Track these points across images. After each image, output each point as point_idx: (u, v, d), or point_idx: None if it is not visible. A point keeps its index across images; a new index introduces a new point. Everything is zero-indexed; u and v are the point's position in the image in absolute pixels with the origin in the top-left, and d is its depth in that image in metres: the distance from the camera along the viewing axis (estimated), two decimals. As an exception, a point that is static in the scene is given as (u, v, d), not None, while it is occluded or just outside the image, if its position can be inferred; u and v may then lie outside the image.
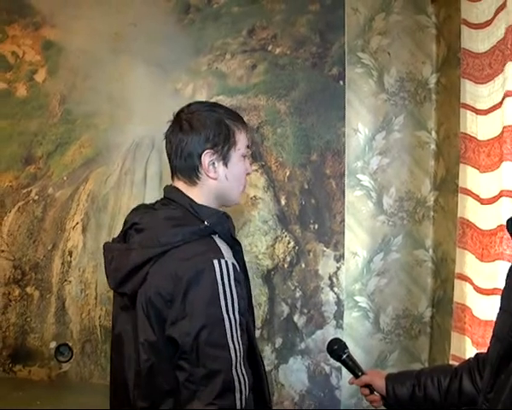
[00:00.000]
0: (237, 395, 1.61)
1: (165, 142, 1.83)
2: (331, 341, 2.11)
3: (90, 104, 3.08)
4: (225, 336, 1.60)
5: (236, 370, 1.61)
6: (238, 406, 1.60)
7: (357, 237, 3.09)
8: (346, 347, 2.08)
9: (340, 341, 2.12)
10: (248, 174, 1.89)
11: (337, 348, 2.08)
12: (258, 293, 3.01)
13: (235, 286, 1.63)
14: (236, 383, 1.61)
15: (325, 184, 3.05)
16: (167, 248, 1.63)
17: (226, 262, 1.62)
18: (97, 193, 3.10)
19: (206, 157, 1.75)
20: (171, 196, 1.79)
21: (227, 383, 1.60)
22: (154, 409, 1.69)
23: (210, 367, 1.59)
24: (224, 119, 1.79)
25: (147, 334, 1.66)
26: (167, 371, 1.65)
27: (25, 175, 3.11)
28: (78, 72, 3.10)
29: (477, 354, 1.93)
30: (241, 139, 1.82)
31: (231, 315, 1.62)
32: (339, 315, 3.05)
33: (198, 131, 1.75)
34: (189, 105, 1.84)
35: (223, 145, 1.77)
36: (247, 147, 1.85)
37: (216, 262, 1.61)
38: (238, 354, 1.62)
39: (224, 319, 1.61)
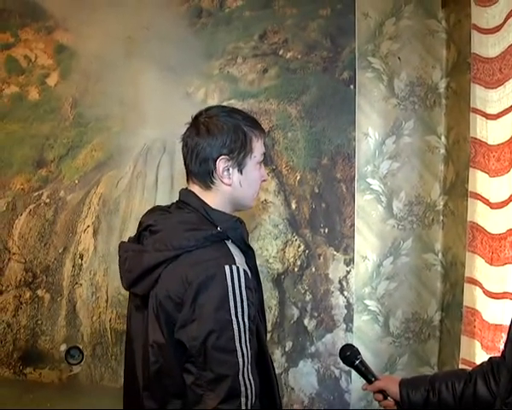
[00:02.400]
0: (243, 400, 1.62)
1: (181, 145, 1.84)
2: (344, 347, 2.13)
3: (101, 108, 3.09)
4: (233, 341, 1.61)
5: (243, 375, 1.62)
6: None
7: (367, 241, 3.12)
8: (358, 353, 2.09)
9: (353, 347, 2.14)
10: (264, 181, 1.92)
11: (350, 355, 2.09)
12: (269, 296, 3.01)
13: (246, 292, 1.64)
14: (243, 388, 1.62)
15: (335, 188, 3.07)
16: (180, 252, 1.64)
17: (238, 268, 1.63)
18: (109, 196, 3.11)
19: (221, 163, 1.75)
20: (186, 200, 1.81)
21: (233, 388, 1.61)
22: None
23: (217, 372, 1.61)
24: (242, 125, 1.79)
25: (156, 336, 1.68)
26: (175, 373, 1.67)
27: (36, 178, 3.13)
28: (90, 75, 3.11)
29: (491, 358, 1.95)
30: (258, 147, 1.83)
31: (240, 320, 1.63)
32: (348, 319, 3.07)
33: (214, 136, 1.76)
34: (208, 109, 1.85)
35: (239, 152, 1.77)
36: (263, 154, 1.86)
37: (227, 268, 1.62)
38: (246, 359, 1.63)
39: (232, 324, 1.62)
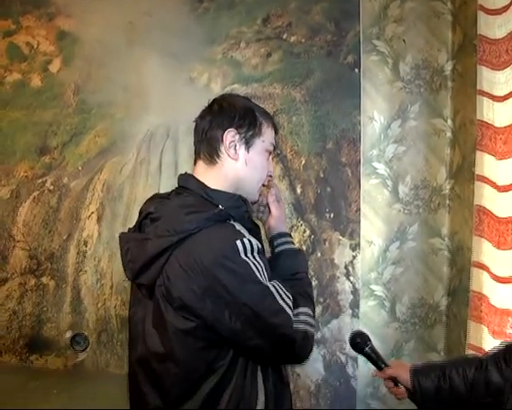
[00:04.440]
0: (310, 331, 1.68)
1: (194, 126, 1.83)
2: (354, 334, 2.10)
3: (104, 94, 3.09)
4: (277, 301, 1.61)
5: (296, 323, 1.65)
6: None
7: (373, 226, 3.11)
8: (368, 339, 2.06)
9: (362, 333, 2.11)
10: (270, 176, 1.88)
11: (360, 342, 2.06)
12: None
13: (261, 259, 1.63)
14: (302, 327, 1.66)
15: (341, 172, 3.06)
16: (183, 236, 1.60)
17: (250, 241, 1.61)
18: (112, 183, 3.11)
19: (229, 136, 1.74)
20: (185, 184, 1.78)
21: (299, 335, 1.64)
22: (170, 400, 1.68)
23: (274, 335, 1.62)
24: (255, 110, 1.80)
25: (174, 323, 1.63)
26: (191, 366, 1.64)
27: (40, 165, 3.13)
28: (92, 61, 3.11)
29: (503, 344, 1.93)
30: (268, 134, 1.81)
31: (269, 281, 1.63)
32: (355, 304, 3.06)
33: (226, 111, 1.76)
34: (223, 95, 1.88)
35: (247, 129, 1.77)
36: (273, 146, 1.84)
37: (239, 243, 1.59)
38: (291, 308, 1.65)
39: (268, 287, 1.61)
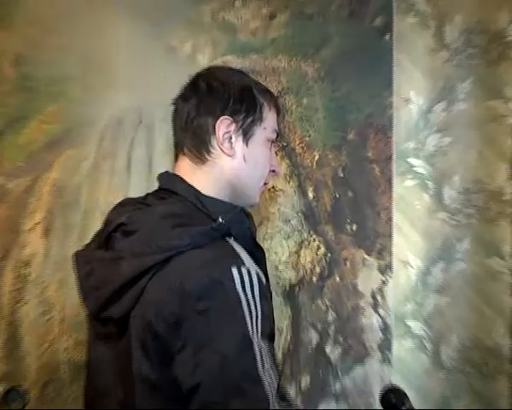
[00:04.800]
0: None
1: (173, 109, 1.71)
2: (386, 391, 2.02)
3: (56, 67, 2.69)
4: (256, 367, 1.41)
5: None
6: None
7: (410, 242, 2.78)
8: (405, 397, 1.99)
9: (398, 389, 2.03)
10: (274, 172, 1.78)
11: (395, 401, 1.99)
12: (279, 315, 2.71)
13: (261, 303, 1.44)
14: None
15: (366, 170, 2.76)
16: (169, 255, 1.45)
17: (248, 271, 1.44)
18: (66, 184, 2.71)
19: (223, 126, 1.62)
20: (170, 187, 1.65)
21: None
22: None
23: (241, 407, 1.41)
24: (253, 87, 1.69)
25: (144, 371, 1.46)
26: None
27: (-36, 161, 2.85)
28: (40, 24, 2.71)
29: None
30: (270, 119, 1.71)
31: (260, 339, 1.43)
32: (385, 345, 2.73)
33: (217, 92, 1.65)
34: (210, 68, 1.78)
35: (245, 116, 1.65)
36: (276, 133, 1.74)
37: (235, 270, 1.42)
38: (273, 390, 1.44)
39: (253, 344, 1.41)
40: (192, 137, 1.64)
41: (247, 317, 1.41)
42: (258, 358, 1.41)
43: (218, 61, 2.73)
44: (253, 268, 1.47)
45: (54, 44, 2.73)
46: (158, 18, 2.76)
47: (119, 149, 2.77)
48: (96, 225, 1.64)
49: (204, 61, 2.73)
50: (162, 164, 2.48)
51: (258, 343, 1.42)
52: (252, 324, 1.42)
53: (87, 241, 1.72)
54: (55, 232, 2.73)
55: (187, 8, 2.76)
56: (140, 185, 2.67)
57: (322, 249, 2.75)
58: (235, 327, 1.41)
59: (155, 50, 2.76)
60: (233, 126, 1.63)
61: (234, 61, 2.71)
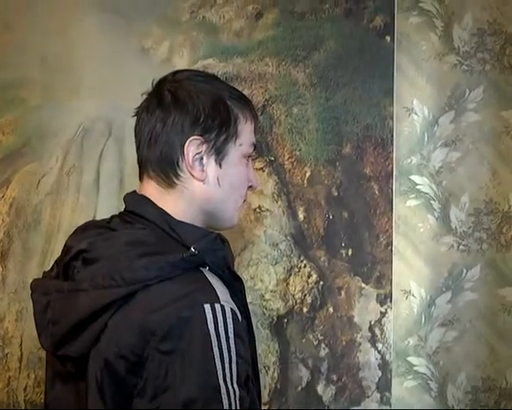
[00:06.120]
0: None
1: (134, 122, 1.60)
2: None
3: (12, 70, 2.63)
4: None
5: None
6: None
7: (412, 269, 2.64)
8: None
9: None
10: (252, 188, 1.69)
11: None
12: (265, 350, 2.61)
13: (235, 344, 1.38)
14: None
15: (364, 189, 2.62)
16: (134, 289, 1.38)
17: (223, 308, 1.38)
18: (24, 202, 2.63)
19: (192, 147, 1.51)
20: (137, 210, 1.55)
21: None
22: None
23: None
24: (225, 97, 1.58)
25: None
26: None
27: None
28: None
29: None
30: (246, 132, 1.61)
31: (229, 385, 1.35)
32: (385, 385, 2.61)
33: (185, 106, 1.52)
34: (176, 72, 1.65)
35: (218, 133, 1.54)
36: (254, 146, 1.65)
37: (208, 308, 1.35)
38: None
39: (220, 391, 1.33)
40: (158, 159, 1.52)
41: (217, 360, 1.33)
42: (227, 406, 1.33)
43: (198, 66, 2.60)
44: (228, 304, 1.40)
45: (8, 43, 2.69)
46: (130, 14, 2.69)
47: (86, 164, 2.70)
48: (59, 249, 1.54)
49: (182, 64, 2.60)
50: (135, 181, 2.27)
51: (227, 389, 1.34)
52: (223, 368, 1.34)
53: (48, 267, 1.62)
54: (13, 258, 2.68)
55: (163, 3, 2.68)
56: (109, 205, 2.56)
57: (314, 277, 2.63)
58: (201, 371, 1.34)
59: (127, 51, 2.69)
60: (204, 147, 1.51)
61: (215, 66, 2.59)
